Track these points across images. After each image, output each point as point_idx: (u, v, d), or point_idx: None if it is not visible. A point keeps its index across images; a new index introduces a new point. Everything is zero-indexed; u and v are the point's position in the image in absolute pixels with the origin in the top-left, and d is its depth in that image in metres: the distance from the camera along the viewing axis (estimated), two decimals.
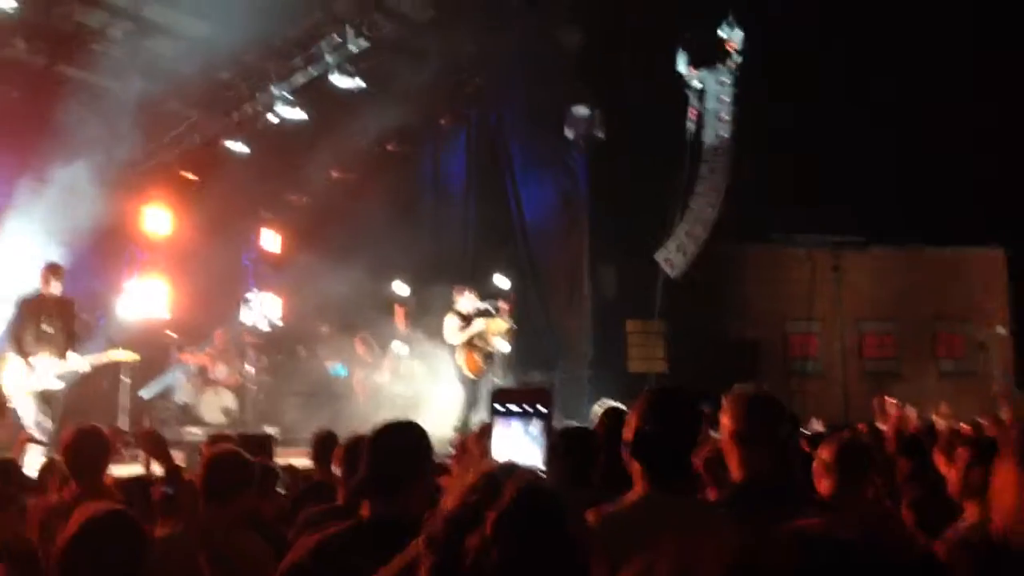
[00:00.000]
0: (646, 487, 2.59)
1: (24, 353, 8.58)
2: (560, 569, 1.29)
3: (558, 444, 3.03)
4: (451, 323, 11.41)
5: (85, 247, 11.21)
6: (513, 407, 1.79)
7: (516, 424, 1.83)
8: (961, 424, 9.26)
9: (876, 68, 16.34)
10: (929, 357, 19.96)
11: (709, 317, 16.90)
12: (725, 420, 3.07)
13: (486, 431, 2.32)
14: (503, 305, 12.32)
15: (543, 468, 1.79)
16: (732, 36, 14.50)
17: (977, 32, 16.10)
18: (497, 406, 1.78)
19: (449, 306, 11.71)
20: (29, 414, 8.49)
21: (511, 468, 1.35)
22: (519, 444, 1.81)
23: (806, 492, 3.42)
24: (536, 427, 1.83)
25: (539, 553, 1.25)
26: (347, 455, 3.95)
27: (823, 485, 3.53)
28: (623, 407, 4.06)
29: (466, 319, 11.46)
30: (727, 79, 14.73)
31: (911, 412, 11.31)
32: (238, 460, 3.79)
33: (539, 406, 1.79)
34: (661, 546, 2.38)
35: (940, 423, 9.78)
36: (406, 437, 2.74)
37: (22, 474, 5.03)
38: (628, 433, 2.64)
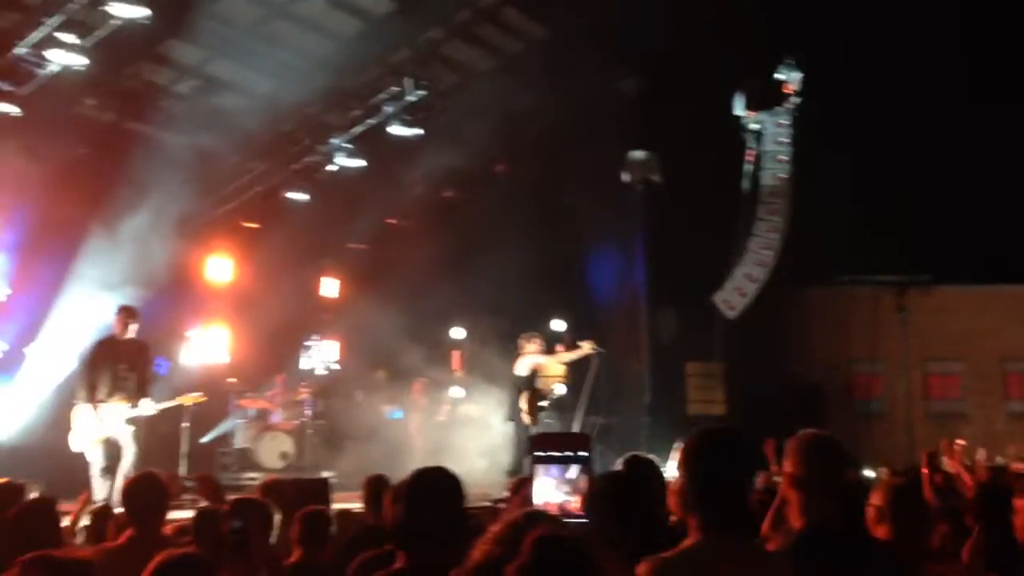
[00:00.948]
0: (702, 533, 2.49)
1: (95, 400, 8.66)
2: None
3: (606, 490, 2.97)
4: (526, 361, 11.44)
5: (149, 296, 11.46)
6: (553, 452, 1.78)
7: (556, 469, 1.81)
8: None
9: (942, 104, 16.10)
10: (998, 398, 19.38)
11: (769, 359, 16.65)
12: (787, 465, 3.00)
13: (524, 478, 2.27)
14: (560, 349, 12.31)
15: (582, 513, 1.77)
16: (790, 78, 14.46)
17: None
18: (538, 452, 1.76)
19: (509, 351, 11.74)
20: (97, 462, 8.56)
21: (536, 517, 1.34)
22: (559, 489, 1.79)
23: (871, 540, 3.32)
24: (576, 472, 1.81)
25: None
26: (394, 501, 3.95)
27: (879, 532, 3.41)
28: (649, 456, 3.97)
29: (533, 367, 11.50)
30: (785, 120, 14.67)
31: (980, 454, 10.95)
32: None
33: (579, 451, 1.77)
34: None
35: (1015, 465, 9.44)
36: (439, 485, 2.68)
37: (55, 516, 5.03)
38: (681, 480, 2.49)
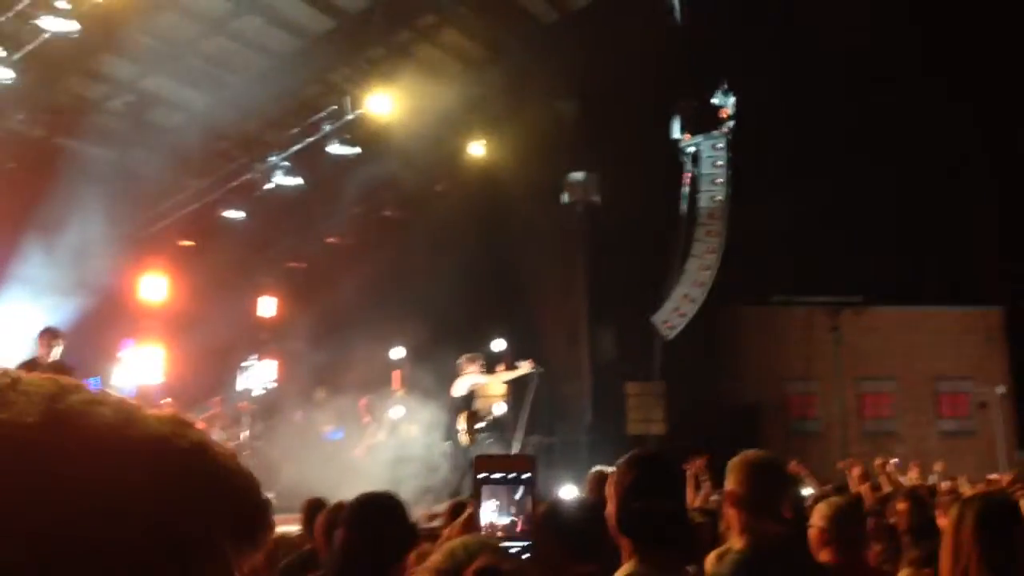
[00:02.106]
0: (635, 558, 2.47)
1: None
2: None
3: (549, 517, 2.93)
4: (465, 381, 11.35)
5: (81, 315, 11.18)
6: (497, 474, 1.75)
7: (501, 491, 1.79)
8: (964, 484, 9.15)
9: (873, 130, 16.54)
10: (929, 416, 19.85)
11: (708, 378, 16.84)
12: (728, 484, 3.01)
13: (461, 501, 2.24)
14: (500, 368, 12.27)
15: (527, 538, 1.75)
16: (725, 103, 14.72)
17: (974, 91, 16.31)
18: (481, 474, 1.74)
19: (448, 371, 11.67)
20: None
21: (478, 546, 1.31)
22: (503, 513, 1.77)
23: (812, 560, 3.35)
24: (520, 494, 1.79)
25: None
26: (327, 524, 3.86)
27: (822, 554, 3.44)
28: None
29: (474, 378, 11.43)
30: (721, 144, 14.90)
31: (913, 473, 11.19)
32: None
33: (523, 473, 1.75)
34: None
35: (943, 483, 9.66)
36: (382, 514, 2.63)
37: None
38: (612, 506, 2.47)
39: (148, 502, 0.51)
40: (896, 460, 10.95)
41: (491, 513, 1.67)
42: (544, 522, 2.31)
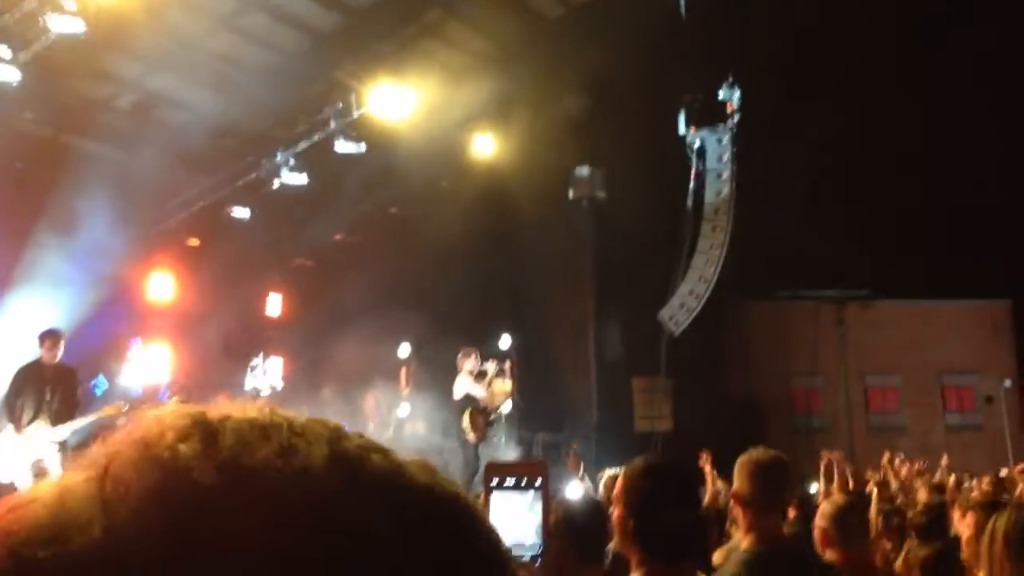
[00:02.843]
0: (644, 567, 2.47)
1: (18, 424, 8.46)
2: None
3: (564, 521, 2.94)
4: (463, 381, 11.33)
5: (88, 313, 11.22)
6: (508, 481, 1.76)
7: (514, 498, 1.80)
8: (975, 481, 9.14)
9: (880, 123, 16.49)
10: (935, 411, 19.82)
11: (714, 374, 16.85)
12: (736, 484, 3.03)
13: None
14: (507, 366, 12.29)
15: (540, 545, 1.76)
16: (731, 97, 14.68)
17: (981, 85, 16.26)
18: (492, 480, 1.75)
19: (454, 368, 11.66)
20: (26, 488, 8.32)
21: None
22: (516, 519, 1.78)
23: (818, 559, 3.36)
24: (532, 501, 1.79)
25: None
26: None
27: (828, 553, 3.46)
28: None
29: (476, 378, 11.38)
30: (726, 138, 14.86)
31: (918, 467, 11.16)
32: None
33: (536, 479, 1.76)
34: None
35: (950, 478, 9.64)
36: None
37: None
38: (621, 512, 2.47)
39: (417, 553, 0.49)
40: (901, 455, 10.95)
41: (503, 521, 1.67)
42: (557, 526, 2.32)
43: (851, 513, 3.62)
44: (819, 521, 3.52)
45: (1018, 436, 18.59)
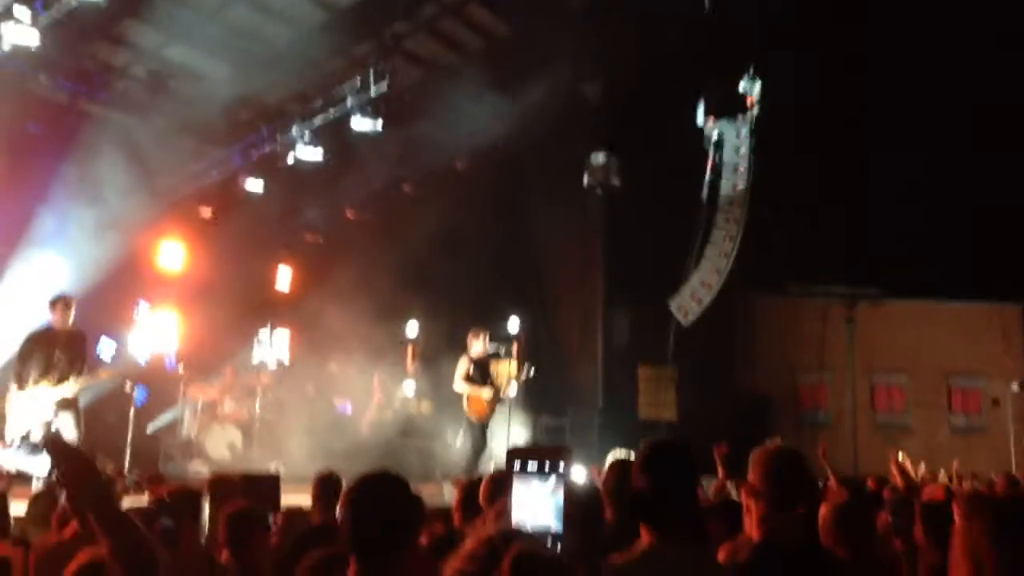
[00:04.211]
0: (651, 538, 2.54)
1: (23, 383, 8.50)
2: None
3: (586, 508, 2.95)
4: (460, 369, 11.16)
5: (99, 281, 11.22)
6: (530, 466, 1.75)
7: (535, 483, 1.78)
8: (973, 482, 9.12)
9: (895, 123, 16.39)
10: (941, 412, 19.77)
11: (721, 366, 16.83)
12: (750, 476, 3.01)
13: (497, 489, 2.22)
14: (513, 348, 12.27)
15: (560, 529, 1.75)
16: (751, 89, 14.59)
17: (991, 88, 16.12)
18: (515, 465, 1.73)
19: (462, 349, 11.58)
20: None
21: (512, 536, 1.30)
22: (537, 504, 1.76)
23: (830, 555, 3.34)
24: (553, 486, 1.78)
25: None
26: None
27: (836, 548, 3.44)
28: (630, 458, 3.98)
29: (478, 365, 11.20)
30: (745, 130, 14.78)
31: (921, 468, 11.12)
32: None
33: (557, 464, 1.75)
34: None
35: (958, 483, 9.61)
36: (387, 497, 2.52)
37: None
38: (632, 488, 2.59)
39: None
40: (903, 454, 10.91)
41: (526, 505, 1.66)
42: (575, 513, 2.32)
43: (855, 512, 3.60)
44: (822, 520, 3.50)
45: (1022, 441, 18.54)
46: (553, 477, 1.79)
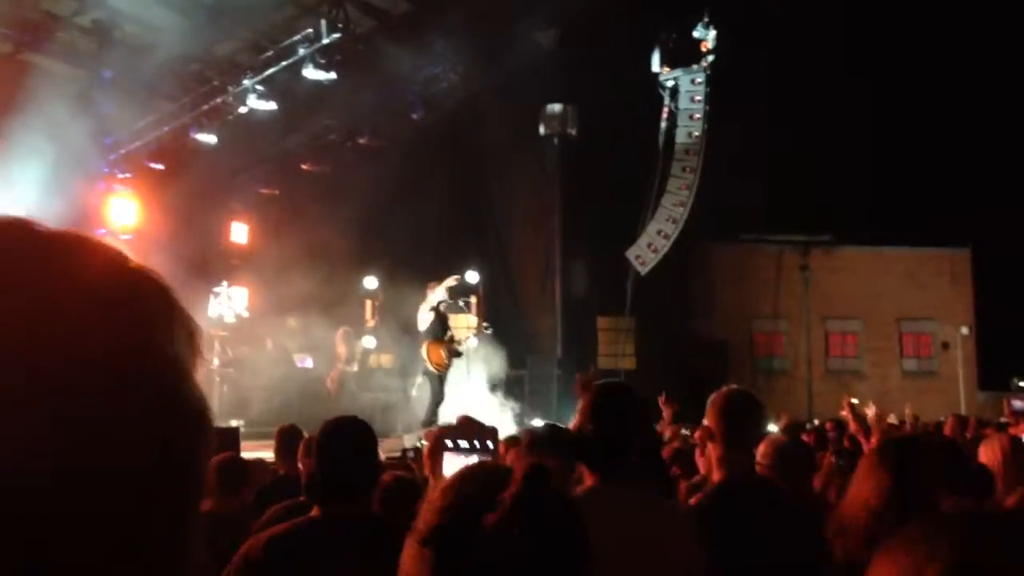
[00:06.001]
0: (594, 481, 2.57)
1: None
2: (573, 548, 1.20)
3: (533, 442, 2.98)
4: (423, 313, 11.20)
5: None
6: (462, 443, 1.80)
7: (465, 460, 1.84)
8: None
9: (847, 70, 16.51)
10: (892, 356, 20.20)
11: (678, 314, 16.99)
12: (707, 420, 3.07)
13: (436, 454, 2.28)
14: (473, 300, 12.28)
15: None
16: (706, 36, 14.57)
17: (945, 39, 16.28)
18: (447, 441, 1.79)
19: (422, 300, 11.59)
20: None
21: (500, 468, 1.30)
22: None
23: (783, 491, 3.43)
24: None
25: (557, 533, 1.15)
26: (309, 450, 3.90)
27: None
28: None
29: (438, 316, 11.26)
30: (700, 79, 14.79)
31: (871, 410, 11.36)
32: None
33: (486, 442, 1.80)
34: (602, 535, 2.35)
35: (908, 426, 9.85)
36: (353, 438, 2.66)
37: None
38: (578, 431, 2.59)
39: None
40: (855, 400, 11.15)
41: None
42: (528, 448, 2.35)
43: (791, 450, 3.72)
44: (760, 459, 3.58)
45: (971, 383, 19.03)
46: (483, 454, 1.84)
